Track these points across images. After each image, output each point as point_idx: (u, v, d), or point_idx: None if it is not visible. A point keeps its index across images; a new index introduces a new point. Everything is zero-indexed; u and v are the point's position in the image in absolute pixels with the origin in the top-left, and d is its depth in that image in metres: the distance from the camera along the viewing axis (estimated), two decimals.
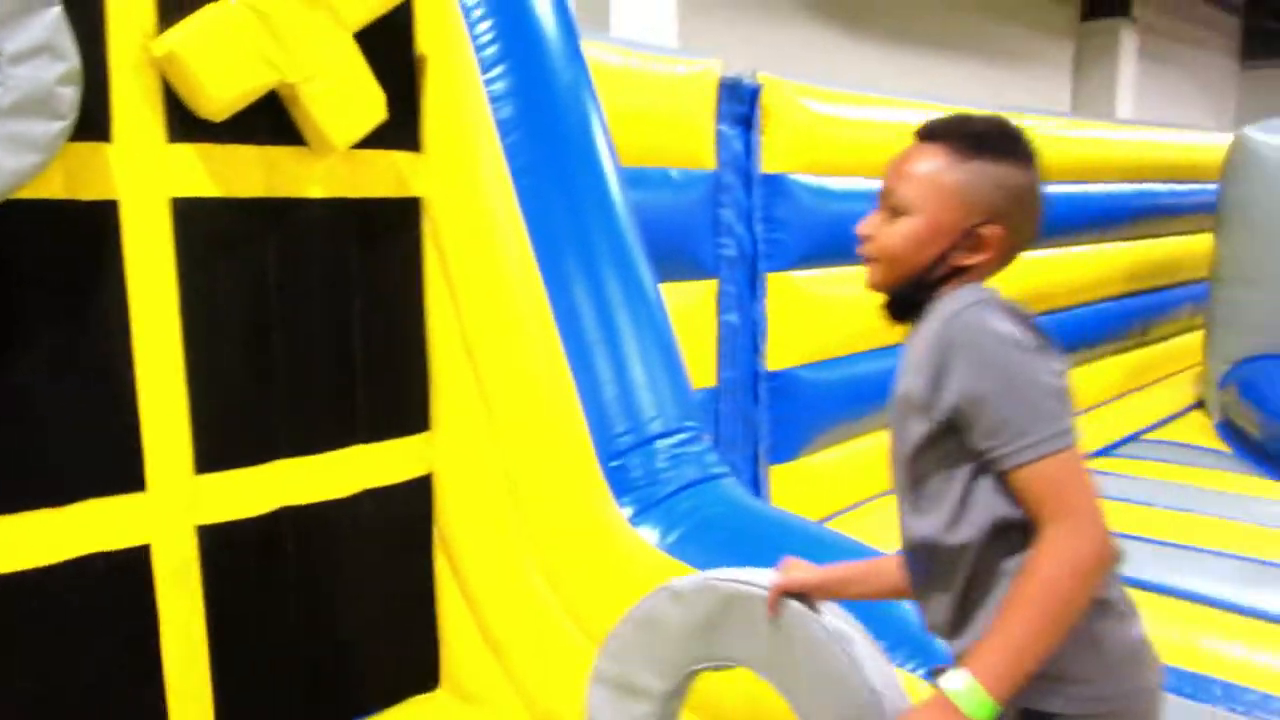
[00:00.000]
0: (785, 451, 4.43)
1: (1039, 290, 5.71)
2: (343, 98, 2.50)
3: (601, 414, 2.65)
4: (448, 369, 2.86)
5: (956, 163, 1.50)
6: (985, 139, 1.52)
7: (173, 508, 2.41)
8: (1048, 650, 1.28)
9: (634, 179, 3.48)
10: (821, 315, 4.40)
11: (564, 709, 2.63)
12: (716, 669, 2.00)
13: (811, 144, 4.29)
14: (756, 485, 4.31)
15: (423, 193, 2.80)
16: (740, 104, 4.00)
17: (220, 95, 2.27)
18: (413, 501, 2.89)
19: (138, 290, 2.29)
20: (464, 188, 2.80)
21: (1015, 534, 1.38)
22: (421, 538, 2.93)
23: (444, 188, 2.81)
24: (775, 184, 4.19)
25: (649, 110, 3.64)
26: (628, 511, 2.56)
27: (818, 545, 2.50)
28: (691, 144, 3.80)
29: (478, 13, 2.81)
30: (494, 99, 2.80)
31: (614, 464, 2.61)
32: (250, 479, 2.55)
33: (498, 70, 2.81)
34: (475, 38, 2.81)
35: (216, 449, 2.47)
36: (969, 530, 1.42)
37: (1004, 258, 1.54)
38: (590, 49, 3.30)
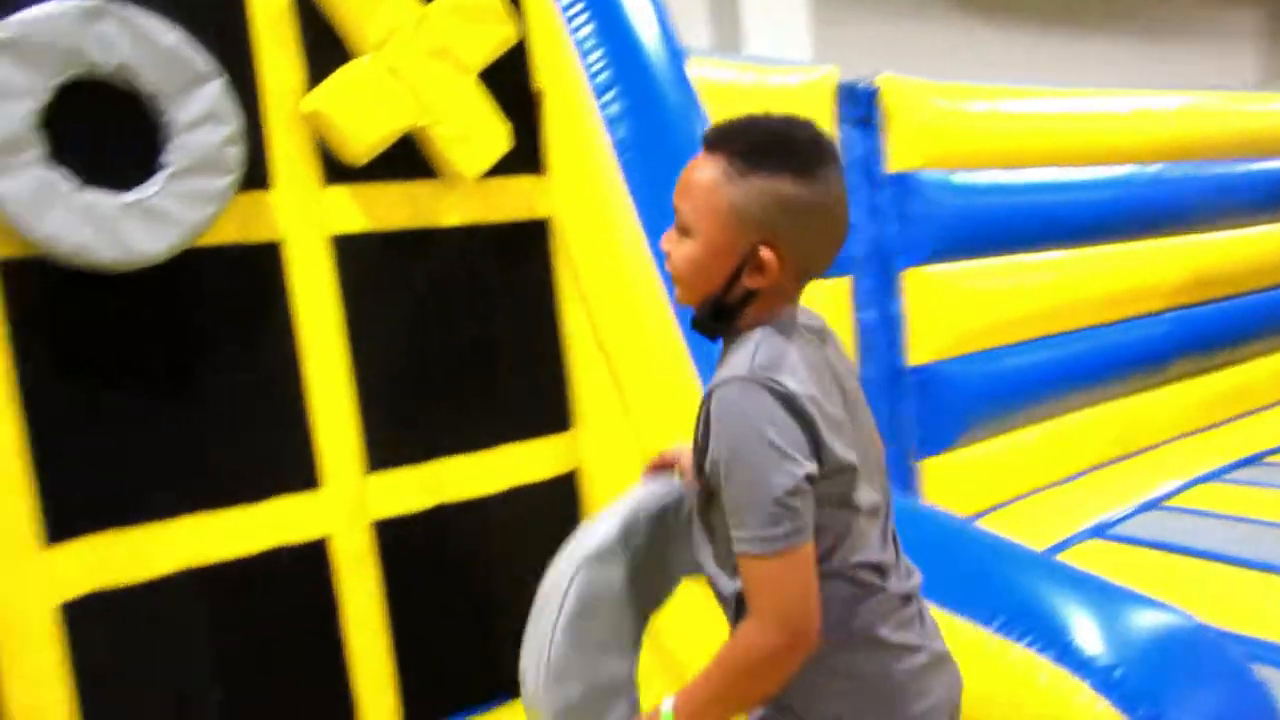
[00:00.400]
0: (936, 445, 4.46)
1: (1202, 277, 5.49)
2: (469, 133, 2.81)
3: None
4: (585, 371, 3.11)
5: (731, 178, 1.40)
6: (764, 149, 1.40)
7: (347, 504, 2.74)
8: (725, 711, 1.40)
9: None
10: (963, 308, 4.43)
11: None
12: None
13: (938, 140, 4.35)
14: (907, 479, 4.36)
15: (549, 212, 3.07)
16: (859, 106, 4.12)
17: (361, 142, 2.62)
18: (560, 495, 3.14)
19: (305, 316, 2.65)
20: (587, 205, 3.06)
21: None
22: (569, 528, 3.15)
23: (568, 206, 3.07)
24: (903, 182, 4.27)
25: None
26: None
27: (956, 539, 2.58)
28: None
29: (589, 44, 3.08)
30: (608, 122, 3.05)
31: None
32: (414, 477, 2.86)
33: (610, 95, 3.06)
34: (588, 67, 3.07)
35: (383, 451, 2.80)
36: (738, 583, 1.42)
37: (794, 280, 1.44)
38: (704, 67, 3.52)
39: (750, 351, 1.37)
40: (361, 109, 2.61)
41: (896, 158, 4.27)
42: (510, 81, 2.95)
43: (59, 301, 2.31)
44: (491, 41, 2.84)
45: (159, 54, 2.31)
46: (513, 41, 2.89)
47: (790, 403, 1.32)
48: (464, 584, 2.98)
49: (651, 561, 1.77)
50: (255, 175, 2.53)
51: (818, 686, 1.43)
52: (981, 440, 4.61)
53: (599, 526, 1.78)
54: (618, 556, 1.73)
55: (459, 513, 2.95)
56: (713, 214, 1.41)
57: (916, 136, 4.27)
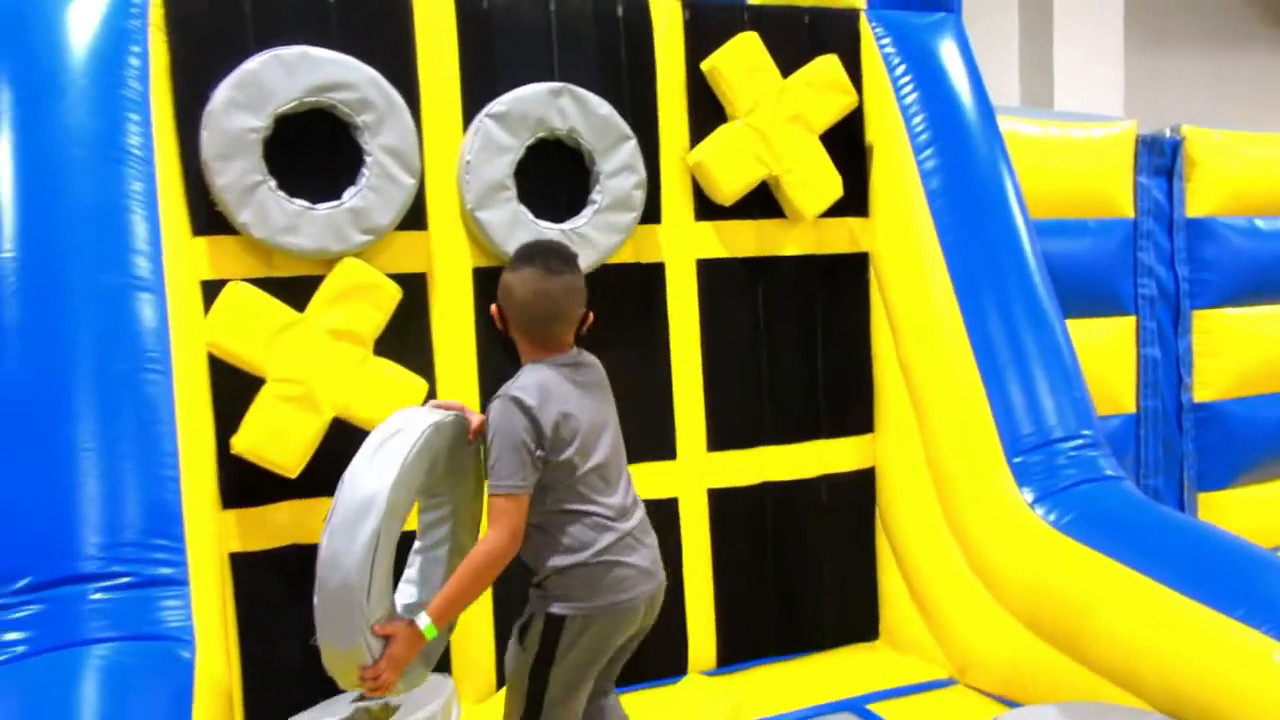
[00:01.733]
0: (1215, 480, 4.68)
1: None
2: (811, 182, 3.45)
3: (1010, 419, 3.32)
4: (887, 384, 3.67)
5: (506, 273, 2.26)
6: (514, 253, 2.29)
7: (693, 474, 3.46)
8: (468, 602, 2.14)
9: (1052, 229, 4.10)
10: (1251, 351, 4.62)
11: (979, 661, 3.29)
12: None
13: (1241, 188, 4.57)
14: (1181, 508, 4.61)
15: (869, 248, 3.67)
16: (1161, 157, 4.44)
17: (731, 188, 3.33)
18: (860, 487, 3.72)
19: (675, 321, 3.40)
20: (901, 243, 3.62)
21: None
22: (867, 516, 3.75)
23: (886, 244, 3.65)
24: (1201, 227, 4.54)
25: (1067, 169, 4.23)
26: (1028, 497, 3.21)
27: (1207, 546, 2.96)
28: (1108, 196, 4.32)
29: (913, 108, 3.64)
30: (924, 174, 3.60)
31: (1018, 459, 3.27)
32: (743, 458, 3.54)
33: (928, 152, 3.61)
34: (911, 128, 3.63)
35: (722, 434, 3.49)
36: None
37: (528, 335, 2.23)
38: (1012, 123, 4.00)
39: (514, 379, 2.21)
40: (733, 162, 3.32)
41: (1196, 203, 4.54)
42: (846, 138, 3.57)
43: None
44: (835, 107, 3.48)
45: (596, 121, 3.11)
46: (852, 107, 3.51)
47: (523, 408, 2.13)
48: (775, 549, 3.63)
49: (433, 461, 2.25)
50: (650, 212, 3.29)
51: (559, 579, 2.18)
52: (1263, 481, 4.77)
53: (429, 415, 2.24)
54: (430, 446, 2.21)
55: (777, 490, 3.60)
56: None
57: (1219, 184, 4.52)
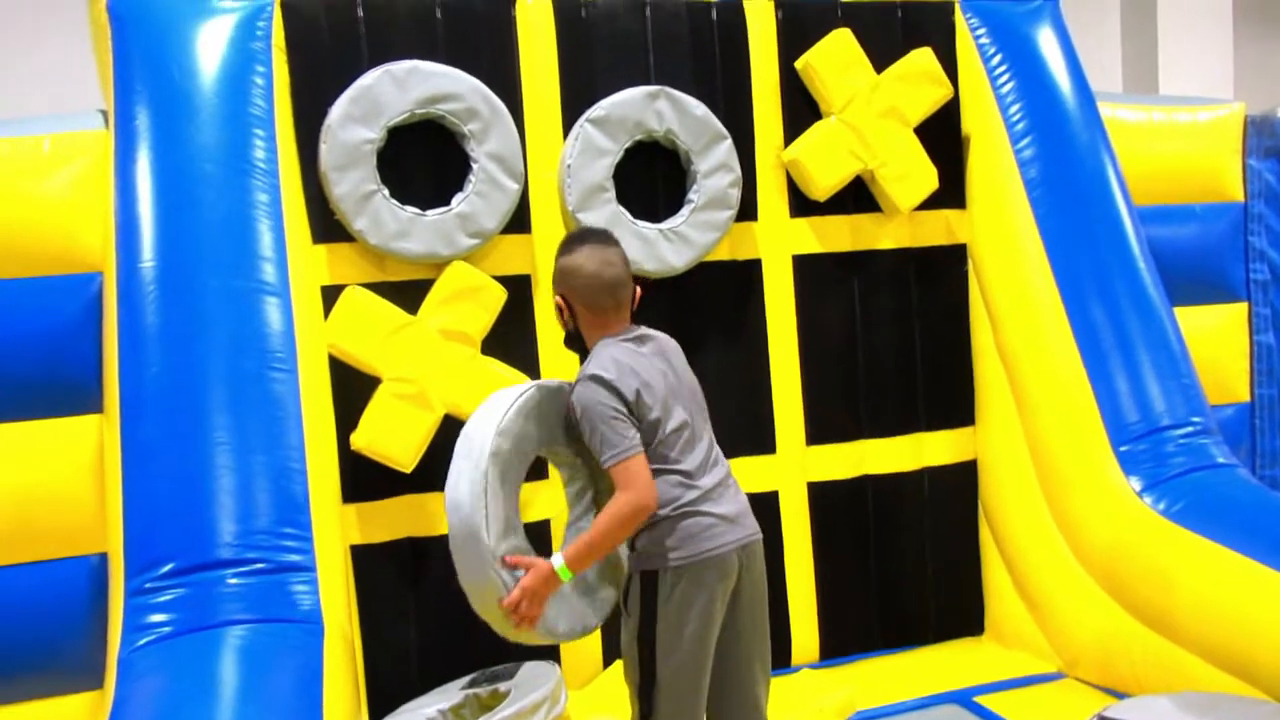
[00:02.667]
0: None
1: None
2: (906, 175, 3.47)
3: (1115, 407, 3.29)
4: (987, 376, 3.66)
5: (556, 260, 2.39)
6: (561, 244, 2.39)
7: (792, 467, 3.50)
8: (604, 550, 2.23)
9: (1158, 216, 4.01)
10: None
11: (1088, 654, 3.26)
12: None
13: None
14: None
15: (967, 239, 3.66)
16: (1271, 138, 4.30)
17: (826, 184, 3.37)
18: (962, 480, 3.71)
19: (772, 317, 3.45)
20: (999, 233, 3.60)
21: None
22: (969, 509, 3.74)
23: (984, 235, 3.63)
24: None
25: (1172, 154, 4.13)
26: (1136, 485, 3.17)
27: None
28: (1216, 180, 4.21)
29: (1010, 98, 3.62)
30: (1022, 163, 3.58)
31: (1124, 448, 3.23)
32: (843, 452, 3.57)
33: (1025, 140, 3.59)
34: (1008, 118, 3.61)
35: (820, 428, 3.53)
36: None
37: (596, 310, 2.32)
38: (1114, 109, 3.94)
39: (590, 359, 2.32)
40: (827, 158, 3.36)
41: None
42: (942, 130, 3.57)
43: None
44: (929, 100, 3.48)
45: (692, 121, 3.18)
46: (947, 99, 3.52)
47: (604, 383, 2.22)
48: (877, 542, 3.64)
49: (543, 424, 2.37)
50: (746, 209, 3.35)
51: (648, 535, 2.25)
52: None
53: (524, 389, 2.36)
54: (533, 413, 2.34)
55: (876, 483, 3.62)
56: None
57: None
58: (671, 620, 2.19)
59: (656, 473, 2.23)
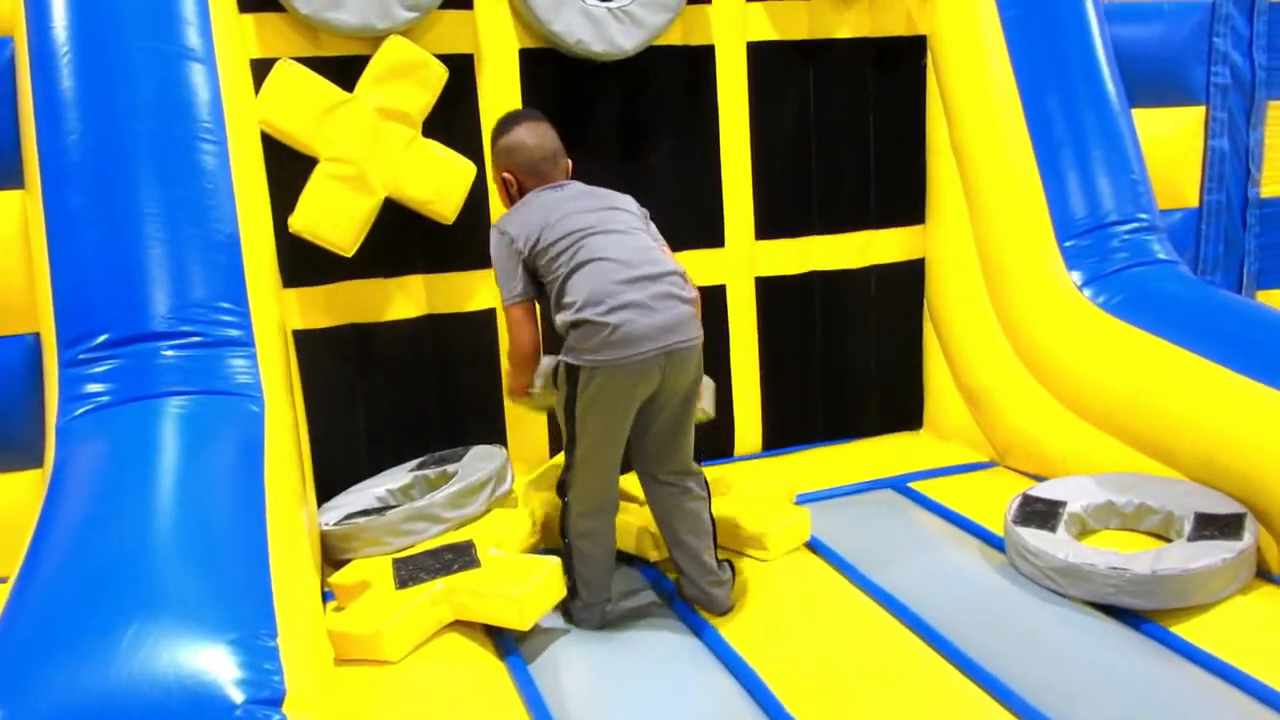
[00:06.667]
0: (1275, 278, 4.59)
1: None
2: None
3: (1064, 203, 3.28)
4: (940, 174, 3.62)
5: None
6: (496, 127, 2.63)
7: (740, 261, 3.49)
8: (517, 386, 2.58)
9: (1125, 13, 3.91)
10: None
11: (1019, 443, 3.36)
12: None
13: None
14: None
15: (927, 30, 3.55)
16: None
17: None
18: (908, 277, 3.73)
19: (725, 107, 3.35)
20: (960, 25, 3.49)
21: None
22: (914, 307, 3.77)
23: (945, 26, 3.52)
24: None
25: None
26: (1078, 279, 3.20)
27: (1257, 323, 2.95)
28: None
29: None
30: None
31: (1069, 243, 3.24)
32: (792, 247, 3.55)
33: None
34: None
35: (770, 223, 3.50)
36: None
37: (535, 177, 2.53)
38: None
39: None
40: None
41: None
42: None
43: (562, 83, 3.14)
44: None
45: None
46: None
47: (500, 231, 2.47)
48: (822, 338, 3.67)
49: None
50: None
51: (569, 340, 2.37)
52: None
53: None
54: None
55: (824, 279, 3.62)
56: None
57: None
58: (585, 405, 2.38)
59: (569, 295, 2.35)
